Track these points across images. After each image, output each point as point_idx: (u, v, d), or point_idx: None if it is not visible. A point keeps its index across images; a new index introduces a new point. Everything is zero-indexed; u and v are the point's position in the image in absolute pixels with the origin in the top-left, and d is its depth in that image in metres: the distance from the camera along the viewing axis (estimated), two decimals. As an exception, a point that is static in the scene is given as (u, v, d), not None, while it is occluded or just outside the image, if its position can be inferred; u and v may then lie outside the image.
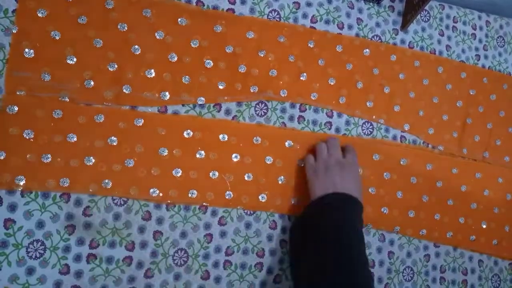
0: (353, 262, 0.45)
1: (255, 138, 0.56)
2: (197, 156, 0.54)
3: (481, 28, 0.71)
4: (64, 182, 0.48)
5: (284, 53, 0.59)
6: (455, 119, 0.67)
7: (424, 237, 0.63)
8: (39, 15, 0.49)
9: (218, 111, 0.56)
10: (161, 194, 0.52)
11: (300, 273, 0.48)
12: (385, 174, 0.62)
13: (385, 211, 0.61)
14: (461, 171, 0.66)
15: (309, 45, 0.60)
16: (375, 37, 0.64)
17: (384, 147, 0.62)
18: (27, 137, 0.48)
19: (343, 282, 0.43)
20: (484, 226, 0.66)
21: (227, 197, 0.54)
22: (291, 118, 0.59)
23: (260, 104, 0.57)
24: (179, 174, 0.53)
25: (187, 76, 0.54)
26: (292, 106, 0.59)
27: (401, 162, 0.63)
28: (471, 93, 0.69)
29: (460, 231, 0.65)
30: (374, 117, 0.63)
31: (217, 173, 0.54)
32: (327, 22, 0.62)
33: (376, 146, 0.62)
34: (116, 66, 0.52)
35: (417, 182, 0.63)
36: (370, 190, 0.60)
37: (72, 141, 0.49)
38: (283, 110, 0.58)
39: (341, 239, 0.47)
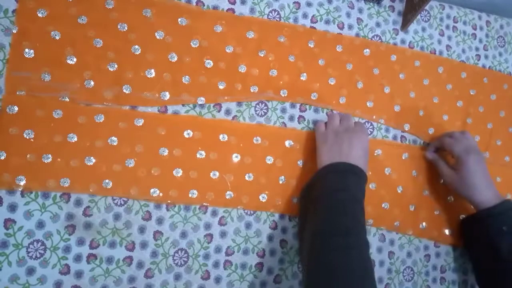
0: (348, 226, 0.46)
1: (255, 138, 0.56)
2: (198, 156, 0.54)
3: (481, 28, 0.71)
4: (65, 182, 0.48)
5: (284, 53, 0.59)
6: (456, 119, 0.67)
7: (424, 234, 0.63)
8: (39, 15, 0.49)
9: (218, 111, 0.55)
10: (161, 194, 0.52)
11: (304, 236, 0.49)
12: (386, 169, 0.62)
13: (385, 207, 0.61)
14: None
15: (309, 45, 0.60)
16: (375, 37, 0.64)
17: (385, 146, 0.62)
18: (27, 137, 0.48)
19: (338, 243, 0.44)
20: None
21: (227, 197, 0.54)
22: (291, 118, 0.59)
23: (260, 104, 0.57)
24: (179, 174, 0.53)
25: (187, 76, 0.54)
26: (292, 106, 0.59)
27: (403, 157, 0.63)
28: (472, 93, 0.69)
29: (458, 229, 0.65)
30: (374, 117, 0.63)
31: (217, 173, 0.54)
32: (327, 22, 0.62)
33: (376, 146, 0.62)
34: (116, 66, 0.52)
35: (418, 175, 0.63)
36: (370, 186, 0.60)
37: (73, 141, 0.49)
38: (283, 110, 0.58)
39: (337, 203, 0.48)
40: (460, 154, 0.57)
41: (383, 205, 0.61)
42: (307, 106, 0.60)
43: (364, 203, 0.50)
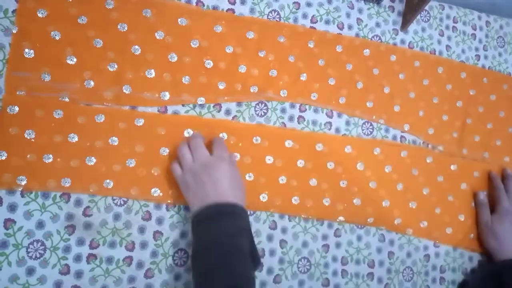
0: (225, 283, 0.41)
1: (254, 138, 0.56)
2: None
3: (481, 28, 0.71)
4: (65, 182, 0.48)
5: (284, 53, 0.59)
6: (455, 119, 0.67)
7: (424, 233, 0.63)
8: (39, 15, 0.49)
9: (218, 111, 0.56)
10: (161, 194, 0.52)
11: None
12: (386, 167, 0.62)
13: (386, 205, 0.61)
14: (460, 168, 0.66)
15: (309, 45, 0.60)
16: (375, 37, 0.64)
17: (384, 146, 0.62)
18: (28, 137, 0.48)
19: None
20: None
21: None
22: (291, 118, 0.59)
23: (260, 104, 0.58)
24: (179, 174, 0.53)
25: (187, 76, 0.54)
26: (292, 106, 0.59)
27: (402, 155, 0.63)
28: (471, 93, 0.69)
29: (460, 229, 0.65)
30: (374, 117, 0.63)
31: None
32: (327, 22, 0.62)
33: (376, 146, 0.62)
34: (116, 66, 0.52)
35: (418, 174, 0.63)
36: (370, 185, 0.61)
37: (73, 141, 0.49)
38: (283, 110, 0.58)
39: (211, 265, 0.43)
40: (502, 211, 0.62)
41: (383, 204, 0.61)
42: (307, 106, 0.60)
43: (247, 239, 0.46)
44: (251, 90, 0.57)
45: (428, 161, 0.64)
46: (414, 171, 0.63)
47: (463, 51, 0.69)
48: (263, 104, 0.58)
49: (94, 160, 0.50)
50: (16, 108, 0.48)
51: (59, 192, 0.48)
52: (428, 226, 0.63)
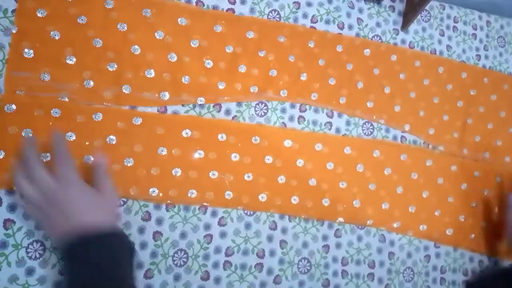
0: None
1: (254, 137, 0.56)
2: (196, 155, 0.54)
3: (481, 28, 0.71)
4: (64, 182, 0.48)
5: (284, 53, 0.59)
6: (456, 119, 0.67)
7: (424, 234, 0.63)
8: (39, 15, 0.49)
9: (218, 111, 0.55)
10: (160, 194, 0.52)
11: None
12: (385, 170, 0.62)
13: (385, 207, 0.61)
14: (460, 168, 0.66)
15: (309, 45, 0.60)
16: (375, 37, 0.64)
17: (384, 146, 0.62)
18: (26, 137, 0.48)
19: None
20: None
21: (227, 197, 0.54)
22: (291, 118, 0.59)
23: (260, 104, 0.57)
24: (178, 174, 0.53)
25: (187, 76, 0.54)
26: (292, 106, 0.59)
27: (401, 158, 0.63)
28: (472, 93, 0.69)
29: (460, 229, 0.65)
30: (374, 117, 0.62)
31: (216, 173, 0.54)
32: (327, 22, 0.61)
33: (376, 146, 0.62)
34: (115, 66, 0.52)
35: (419, 176, 0.63)
36: (370, 186, 0.60)
37: (71, 140, 0.49)
38: (283, 110, 0.58)
39: None
40: None
41: (383, 206, 0.61)
42: (307, 106, 0.59)
43: (124, 264, 0.42)
44: (251, 90, 0.57)
45: (428, 164, 0.64)
46: (414, 174, 0.63)
47: (463, 51, 0.69)
48: (263, 104, 0.58)
49: (92, 159, 0.49)
50: (13, 106, 0.47)
51: (58, 192, 0.48)
52: (428, 228, 0.63)
